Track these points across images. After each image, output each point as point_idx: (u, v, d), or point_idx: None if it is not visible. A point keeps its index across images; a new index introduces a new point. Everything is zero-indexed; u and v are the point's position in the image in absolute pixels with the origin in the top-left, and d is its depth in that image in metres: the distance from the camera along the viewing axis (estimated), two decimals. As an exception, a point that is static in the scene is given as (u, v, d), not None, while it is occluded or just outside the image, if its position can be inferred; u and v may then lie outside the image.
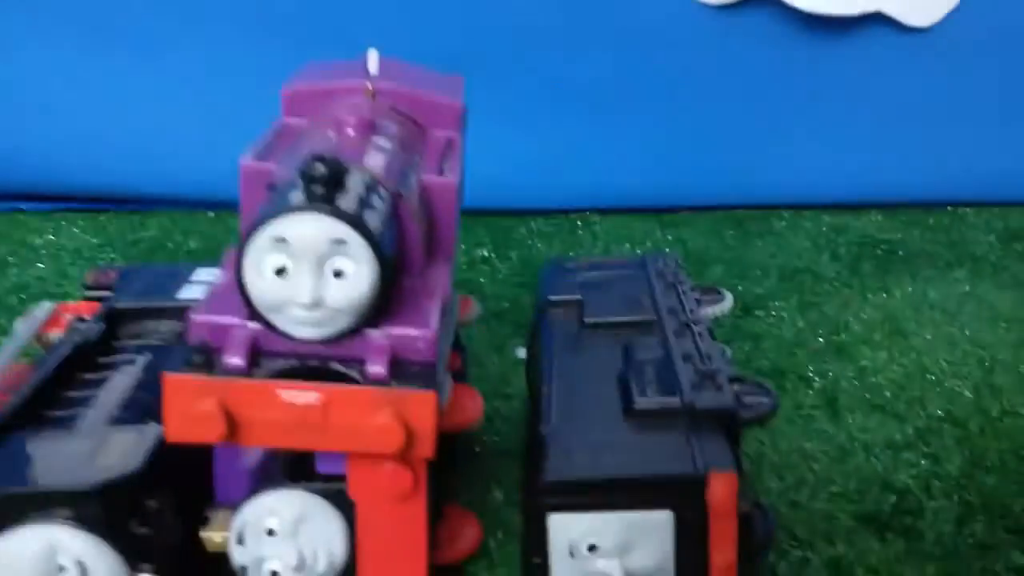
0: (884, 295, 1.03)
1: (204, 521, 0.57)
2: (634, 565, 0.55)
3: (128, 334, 0.69)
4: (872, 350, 0.92)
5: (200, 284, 0.73)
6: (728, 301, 0.75)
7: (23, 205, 1.29)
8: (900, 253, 1.16)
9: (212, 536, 0.56)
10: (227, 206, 1.19)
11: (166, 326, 0.70)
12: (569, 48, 1.20)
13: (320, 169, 0.49)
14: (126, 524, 0.52)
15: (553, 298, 0.74)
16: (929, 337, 0.94)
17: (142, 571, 0.52)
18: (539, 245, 1.16)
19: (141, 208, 1.27)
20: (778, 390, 0.83)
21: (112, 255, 1.13)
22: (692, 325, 0.68)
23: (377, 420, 0.51)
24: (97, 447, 0.54)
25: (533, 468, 0.57)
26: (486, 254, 1.13)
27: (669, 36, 1.22)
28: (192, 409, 0.51)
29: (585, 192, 1.25)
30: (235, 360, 0.51)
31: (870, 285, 1.06)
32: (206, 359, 0.51)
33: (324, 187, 0.50)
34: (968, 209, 1.30)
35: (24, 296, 1.03)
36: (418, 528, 0.56)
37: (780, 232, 1.22)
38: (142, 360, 0.66)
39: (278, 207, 0.50)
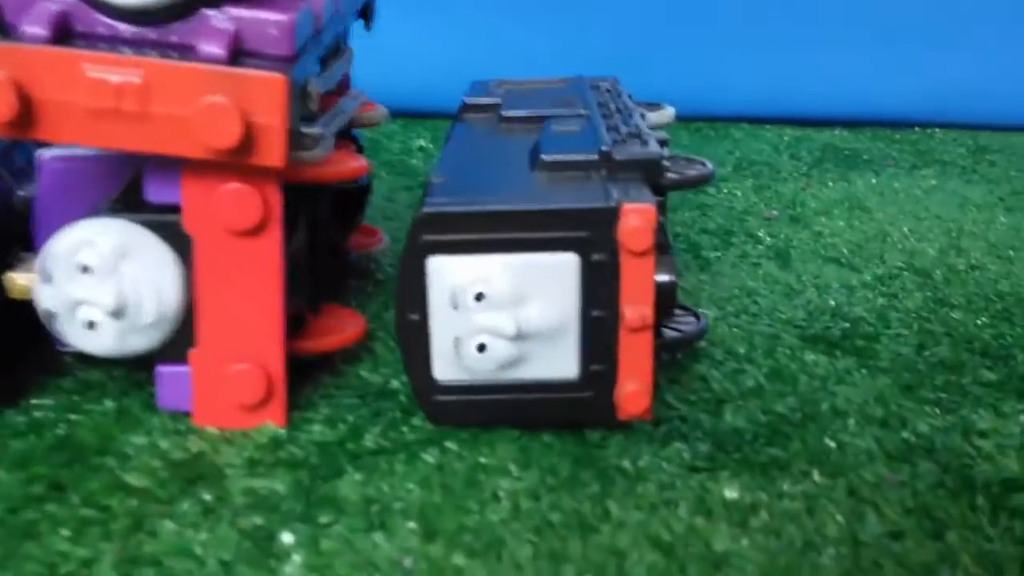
0: (846, 184, 0.95)
1: (10, 266, 0.47)
2: (529, 320, 0.45)
3: None
4: (830, 220, 0.83)
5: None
6: (670, 111, 0.66)
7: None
8: (864, 158, 1.07)
9: (16, 278, 0.46)
10: None
11: None
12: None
13: None
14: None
15: (469, 101, 0.64)
16: (893, 211, 0.85)
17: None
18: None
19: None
20: (724, 247, 0.74)
21: None
22: (624, 111, 0.58)
23: (204, 103, 0.41)
24: None
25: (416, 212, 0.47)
26: (423, 144, 1.04)
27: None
28: (-25, 80, 0.41)
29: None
30: (34, 29, 0.42)
31: (831, 175, 0.97)
32: (-1, 26, 0.42)
33: None
34: (936, 129, 1.22)
35: None
36: (271, 272, 0.46)
37: (739, 139, 1.13)
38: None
39: None
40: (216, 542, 0.39)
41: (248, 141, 0.42)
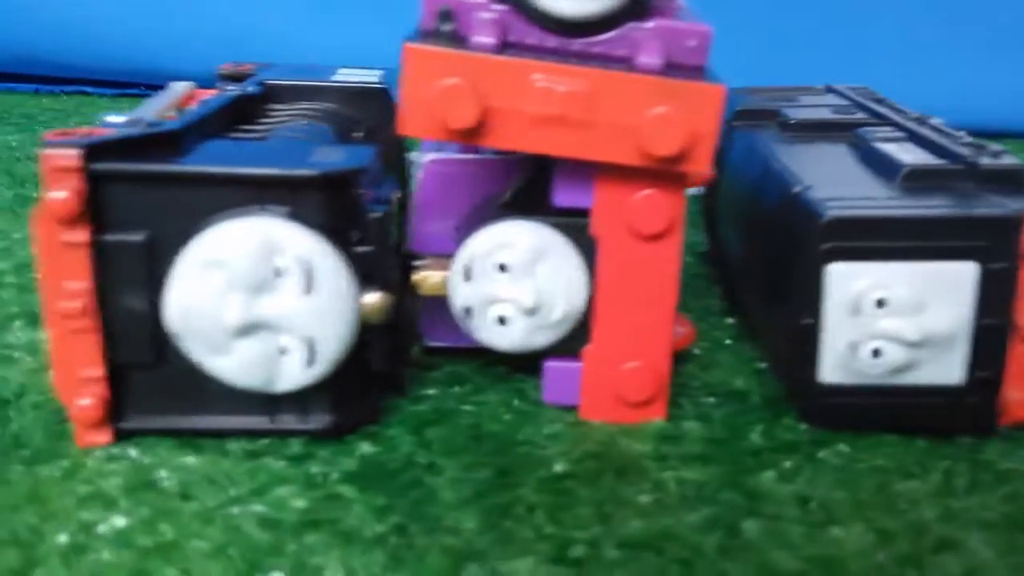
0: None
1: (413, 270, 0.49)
2: (926, 326, 0.47)
3: (282, 110, 0.61)
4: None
5: (350, 74, 0.65)
6: (939, 121, 0.67)
7: (88, 88, 1.22)
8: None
9: (429, 276, 0.48)
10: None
11: (323, 105, 0.62)
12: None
13: None
14: (349, 231, 0.44)
15: (741, 108, 0.65)
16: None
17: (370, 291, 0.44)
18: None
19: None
20: None
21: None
22: (926, 121, 0.60)
23: (653, 113, 0.43)
24: (308, 151, 0.46)
25: (796, 223, 0.49)
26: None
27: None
28: (436, 87, 0.42)
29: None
30: (485, 39, 0.43)
31: None
32: (452, 33, 0.43)
33: None
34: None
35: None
36: (669, 274, 0.48)
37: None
38: (311, 127, 0.57)
39: None
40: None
41: (686, 150, 0.43)
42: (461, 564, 0.38)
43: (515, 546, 0.40)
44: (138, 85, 1.20)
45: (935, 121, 0.64)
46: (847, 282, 0.47)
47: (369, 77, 0.64)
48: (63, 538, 0.39)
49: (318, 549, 0.39)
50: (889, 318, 0.47)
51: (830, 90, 0.72)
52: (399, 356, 0.49)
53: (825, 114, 0.63)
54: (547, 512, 0.42)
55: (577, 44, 0.45)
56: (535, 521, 0.41)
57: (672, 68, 0.44)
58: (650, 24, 0.44)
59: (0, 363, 0.52)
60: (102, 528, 0.40)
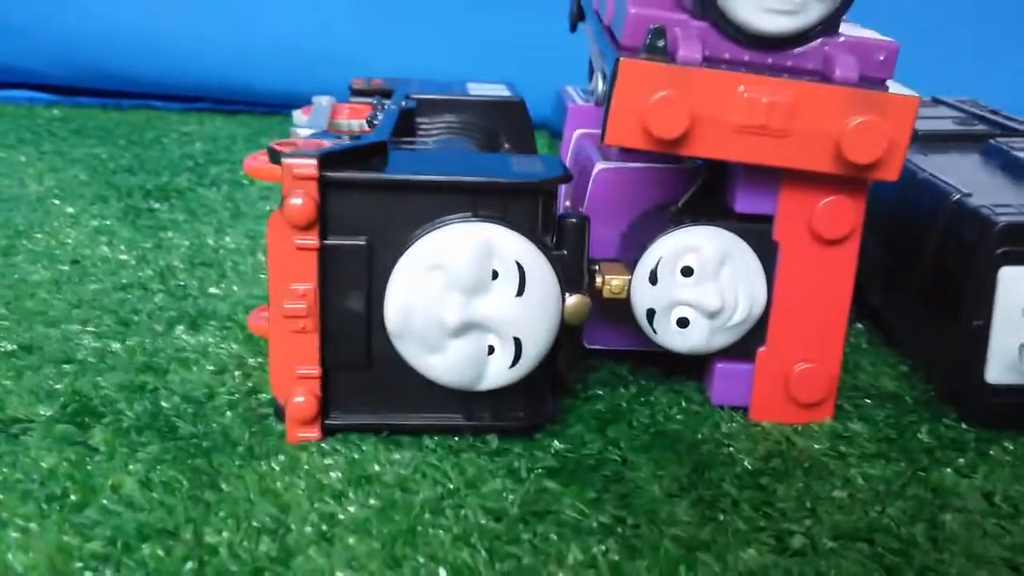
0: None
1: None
2: (1095, 328, 0.49)
3: (430, 123, 0.63)
4: None
5: (483, 88, 0.67)
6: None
7: (155, 103, 1.23)
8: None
9: (612, 280, 0.50)
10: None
11: (466, 118, 0.64)
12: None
13: None
14: (551, 236, 0.45)
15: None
16: None
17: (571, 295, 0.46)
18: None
19: (274, 111, 1.21)
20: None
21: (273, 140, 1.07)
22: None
23: (855, 122, 0.45)
24: (507, 161, 0.48)
25: (962, 230, 0.51)
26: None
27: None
28: (648, 99, 0.44)
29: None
30: (691, 53, 0.45)
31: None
32: (662, 49, 0.45)
33: None
34: None
35: (200, 162, 0.96)
36: (846, 277, 0.49)
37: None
38: (467, 139, 0.59)
39: None
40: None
41: (883, 158, 0.45)
42: (692, 553, 0.40)
43: (736, 537, 0.41)
44: (203, 99, 1.22)
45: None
46: (1018, 285, 0.49)
47: (502, 91, 0.66)
48: (308, 528, 0.40)
49: (551, 538, 0.41)
50: (1057, 320, 0.49)
51: (938, 102, 0.74)
52: (576, 358, 0.51)
53: (949, 125, 0.65)
54: (752, 506, 0.44)
55: (771, 58, 0.47)
56: (744, 514, 0.43)
57: (864, 80, 0.46)
58: (842, 39, 0.46)
59: (180, 365, 0.53)
60: (342, 517, 0.41)
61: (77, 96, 1.23)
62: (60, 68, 1.20)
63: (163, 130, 1.10)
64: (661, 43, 0.45)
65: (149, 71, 1.20)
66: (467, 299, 0.44)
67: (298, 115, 0.65)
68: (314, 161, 0.43)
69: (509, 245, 0.44)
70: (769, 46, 0.46)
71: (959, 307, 0.50)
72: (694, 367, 0.54)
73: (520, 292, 0.45)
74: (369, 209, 0.44)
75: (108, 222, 0.76)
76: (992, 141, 0.61)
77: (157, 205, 0.81)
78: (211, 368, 0.53)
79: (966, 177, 0.56)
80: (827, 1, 0.45)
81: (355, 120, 0.60)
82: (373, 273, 0.45)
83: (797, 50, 0.47)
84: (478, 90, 0.67)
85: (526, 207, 0.45)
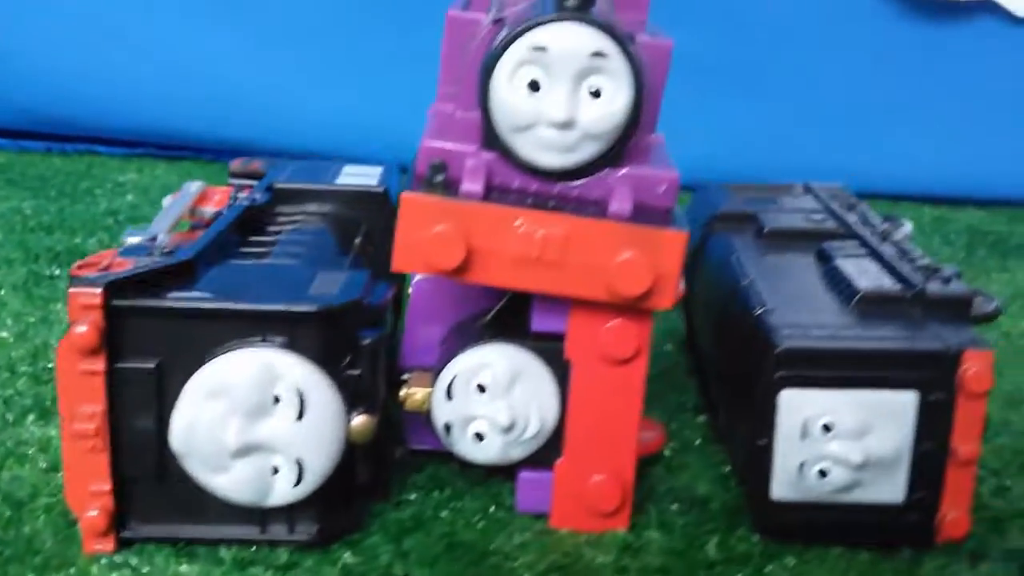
0: (1007, 274, 0.99)
1: (398, 383, 0.53)
2: (870, 450, 0.51)
3: (288, 213, 0.65)
4: (1012, 319, 0.87)
5: (354, 173, 0.69)
6: (908, 227, 0.71)
7: (99, 148, 1.26)
8: (1013, 243, 1.12)
9: (414, 393, 0.52)
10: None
11: (327, 208, 0.66)
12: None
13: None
14: (341, 358, 0.48)
15: (722, 211, 0.69)
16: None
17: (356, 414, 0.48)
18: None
19: (219, 158, 1.24)
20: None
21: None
22: (891, 235, 0.64)
23: (621, 257, 0.47)
24: (308, 281, 0.50)
25: (755, 346, 0.53)
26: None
27: (773, 19, 1.20)
28: (427, 232, 0.47)
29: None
30: (473, 186, 0.48)
31: (991, 266, 1.02)
32: (443, 183, 0.48)
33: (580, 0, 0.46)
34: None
35: (120, 219, 0.98)
36: (634, 394, 0.52)
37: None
38: (315, 234, 0.62)
39: (536, 16, 0.46)
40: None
41: (651, 289, 0.47)
42: None
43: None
44: (147, 144, 1.24)
45: (902, 232, 0.68)
46: (797, 408, 0.51)
47: (370, 179, 0.68)
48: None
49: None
50: (835, 442, 0.50)
51: (808, 190, 0.75)
52: (383, 466, 0.53)
53: (798, 222, 0.67)
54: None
55: (557, 188, 0.49)
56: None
57: (642, 212, 0.48)
58: (622, 172, 0.49)
59: (15, 461, 0.55)
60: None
61: (23, 140, 1.26)
62: (5, 112, 1.23)
63: (99, 179, 1.13)
64: (439, 178, 0.47)
65: (91, 116, 1.23)
66: (248, 422, 0.46)
67: (167, 200, 0.68)
68: (99, 290, 0.45)
69: (290, 370, 0.47)
70: (554, 177, 0.49)
71: (750, 423, 0.52)
72: (512, 470, 0.56)
73: (300, 416, 0.47)
74: (159, 334, 0.47)
75: (3, 291, 0.78)
76: (825, 244, 0.63)
77: (58, 272, 0.83)
78: (43, 466, 0.55)
79: (780, 286, 0.58)
80: (601, 140, 0.47)
81: (222, 208, 0.63)
82: (165, 394, 0.47)
83: (581, 181, 0.49)
84: (348, 177, 0.69)
85: (313, 333, 0.47)
